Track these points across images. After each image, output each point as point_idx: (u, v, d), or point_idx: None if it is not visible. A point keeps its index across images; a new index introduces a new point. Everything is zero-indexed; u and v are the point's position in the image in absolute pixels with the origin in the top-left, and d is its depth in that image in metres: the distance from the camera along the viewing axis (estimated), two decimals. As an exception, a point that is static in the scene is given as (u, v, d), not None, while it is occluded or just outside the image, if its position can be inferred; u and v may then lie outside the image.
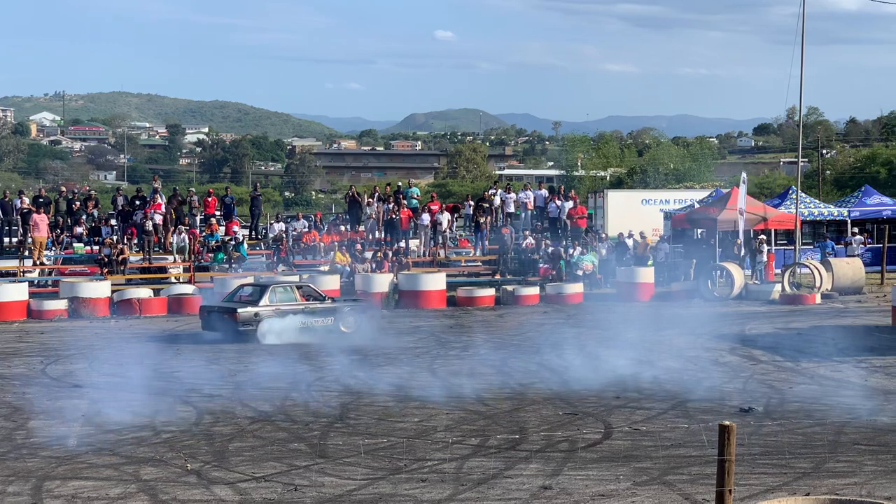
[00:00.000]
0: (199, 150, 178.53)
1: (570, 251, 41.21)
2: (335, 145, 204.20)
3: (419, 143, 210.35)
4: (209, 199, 43.27)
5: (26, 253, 38.59)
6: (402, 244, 41.36)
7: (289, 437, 17.35)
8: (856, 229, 46.85)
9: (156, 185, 43.47)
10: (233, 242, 39.68)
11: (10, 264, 38.46)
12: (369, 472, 14.92)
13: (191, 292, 36.18)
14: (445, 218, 42.23)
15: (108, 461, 15.79)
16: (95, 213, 41.96)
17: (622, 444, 16.66)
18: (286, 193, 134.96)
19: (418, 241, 42.44)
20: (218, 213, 42.74)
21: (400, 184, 47.03)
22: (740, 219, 40.27)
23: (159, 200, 41.00)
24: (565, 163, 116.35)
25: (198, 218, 42.14)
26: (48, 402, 20.62)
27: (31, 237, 38.39)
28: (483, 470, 14.92)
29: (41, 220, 38.27)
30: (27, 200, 41.19)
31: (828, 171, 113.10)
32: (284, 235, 41.32)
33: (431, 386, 21.99)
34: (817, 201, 52.46)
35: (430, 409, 19.57)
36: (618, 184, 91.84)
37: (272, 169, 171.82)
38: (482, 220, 42.78)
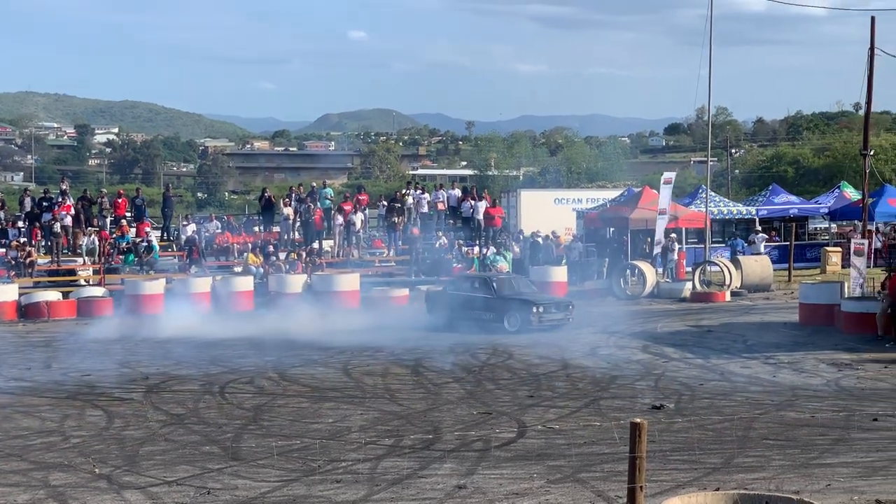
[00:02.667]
0: (108, 150, 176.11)
1: (485, 251, 41.33)
2: (248, 146, 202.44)
3: (333, 143, 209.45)
4: (120, 201, 42.70)
5: (-69, 256, 37.83)
6: (316, 245, 41.19)
7: (202, 440, 17.19)
8: (759, 228, 47.55)
9: (63, 187, 42.78)
10: (144, 244, 39.22)
11: (-86, 268, 37.65)
12: (283, 474, 14.83)
13: (101, 295, 35.70)
14: (359, 218, 42.14)
15: (16, 467, 15.52)
16: (2, 214, 41.18)
17: (536, 442, 16.75)
18: (199, 194, 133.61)
19: (332, 241, 42.26)
20: (129, 214, 42.19)
21: (314, 184, 46.78)
22: (661, 219, 40.65)
23: (68, 202, 40.37)
24: (479, 162, 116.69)
25: (108, 220, 41.55)
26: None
27: (-65, 240, 37.64)
28: (398, 470, 14.91)
29: (-54, 223, 37.54)
30: (-69, 202, 40.39)
31: (737, 171, 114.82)
32: (197, 237, 40.92)
33: (346, 386, 21.95)
34: (726, 200, 53.17)
35: (344, 410, 19.53)
36: (531, 183, 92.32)
37: (184, 170, 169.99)
38: (396, 220, 42.73)
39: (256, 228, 43.01)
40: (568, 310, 30.62)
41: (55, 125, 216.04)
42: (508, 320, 29.94)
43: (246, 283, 36.58)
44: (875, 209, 45.94)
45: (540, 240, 42.54)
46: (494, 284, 31.28)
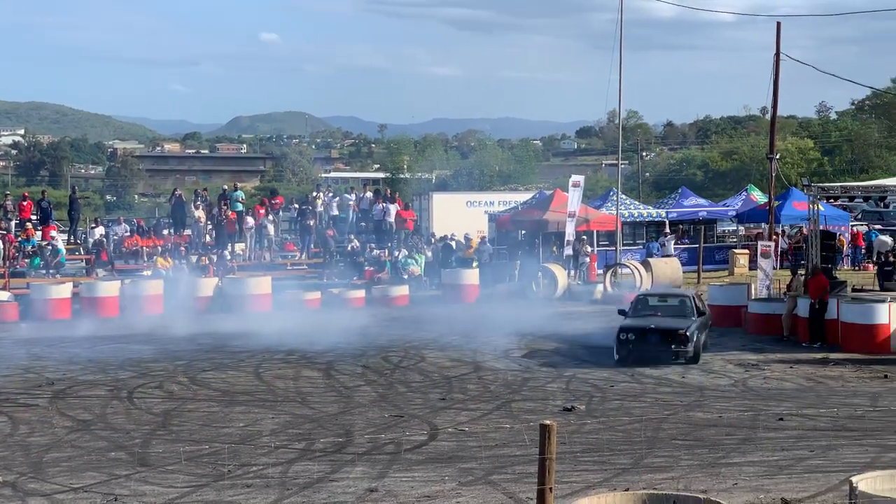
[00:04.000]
0: (14, 152, 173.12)
1: (396, 254, 41.34)
2: (158, 148, 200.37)
3: (245, 146, 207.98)
4: (25, 203, 42.00)
5: None
6: (229, 248, 40.85)
7: (109, 446, 16.96)
8: (669, 230, 48.06)
9: (-32, 189, 42.06)
10: (50, 248, 38.61)
11: None
12: (192, 480, 14.67)
13: (6, 299, 35.07)
14: (271, 221, 41.90)
15: (-83, 476, 15.17)
16: None
17: (447, 445, 16.76)
18: (107, 197, 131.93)
19: (244, 244, 41.93)
20: (34, 217, 41.51)
21: (225, 187, 46.42)
22: (570, 221, 40.92)
23: (-28, 205, 39.65)
24: (391, 165, 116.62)
25: (13, 223, 40.85)
26: None
27: None
28: (309, 474, 14.83)
29: None
30: None
31: (647, 174, 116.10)
32: (105, 240, 40.39)
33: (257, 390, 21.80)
34: (637, 203, 53.69)
35: (255, 414, 19.39)
36: (443, 186, 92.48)
37: (92, 172, 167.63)
38: (308, 223, 42.56)
39: (166, 231, 42.54)
40: None
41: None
42: None
43: (157, 287, 36.15)
44: (781, 212, 46.69)
45: (452, 243, 42.63)
46: None
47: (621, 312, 26.27)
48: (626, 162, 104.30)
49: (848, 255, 47.38)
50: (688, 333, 24.42)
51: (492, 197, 55.37)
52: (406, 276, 39.91)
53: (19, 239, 39.46)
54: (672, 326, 24.76)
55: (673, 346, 24.39)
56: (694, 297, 27.31)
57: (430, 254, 42.54)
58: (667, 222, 48.96)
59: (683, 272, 41.40)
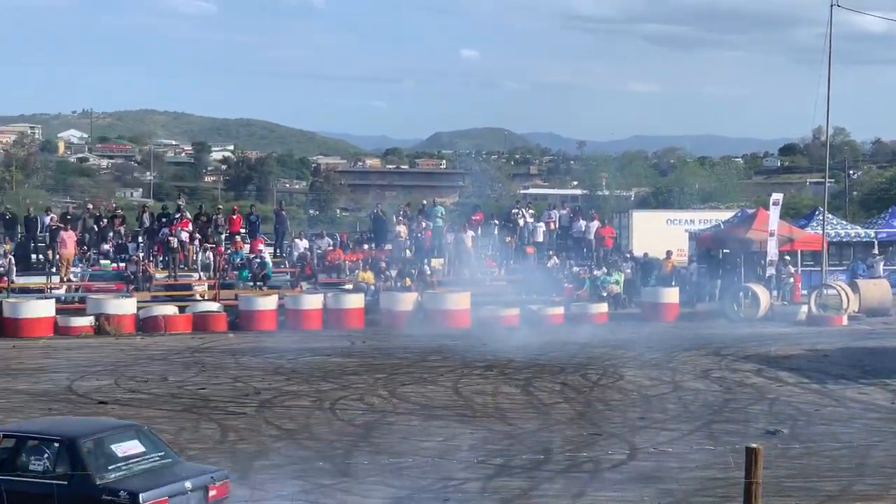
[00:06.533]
0: (224, 167, 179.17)
1: (595, 271, 41.13)
2: (360, 163, 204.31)
3: (444, 161, 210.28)
4: (234, 217, 43.38)
5: (53, 269, 38.77)
6: (427, 263, 41.31)
7: (313, 455, 17.33)
8: (877, 251, 46.54)
9: (180, 203, 43.62)
10: (258, 260, 39.72)
11: (38, 281, 38.60)
12: (393, 492, 14.88)
13: (216, 310, 36.27)
14: (470, 237, 42.17)
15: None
16: (122, 230, 42.09)
17: (647, 465, 16.60)
18: (311, 211, 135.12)
19: (443, 259, 42.34)
20: (243, 230, 42.82)
21: (424, 202, 47.00)
22: (771, 240, 40.05)
23: (186, 218, 41.15)
24: (590, 182, 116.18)
25: (223, 235, 42.24)
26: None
27: (58, 254, 38.56)
28: (508, 490, 14.90)
29: (68, 237, 38.47)
30: (55, 217, 41.45)
31: (855, 192, 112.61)
32: (309, 253, 41.34)
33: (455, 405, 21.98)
34: (844, 222, 52.16)
35: (453, 429, 19.54)
36: (642, 203, 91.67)
37: (297, 187, 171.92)
38: (508, 239, 42.77)
39: (367, 246, 43.28)
40: None
41: (173, 142, 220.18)
42: None
43: (357, 301, 36.88)
44: None
45: (652, 261, 42.17)
46: None
47: None
48: (833, 180, 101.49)
49: None
50: None
51: (692, 215, 54.63)
52: (605, 294, 39.65)
53: (229, 252, 40.74)
54: None
55: None
56: None
57: (629, 271, 42.16)
58: (875, 243, 47.42)
59: (893, 294, 40.02)
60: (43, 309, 34.73)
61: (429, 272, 40.62)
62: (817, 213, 47.50)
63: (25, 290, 37.29)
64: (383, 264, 40.44)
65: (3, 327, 33.84)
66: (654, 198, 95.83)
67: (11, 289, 36.81)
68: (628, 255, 44.18)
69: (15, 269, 37.91)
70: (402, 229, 42.75)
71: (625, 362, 27.63)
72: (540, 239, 43.88)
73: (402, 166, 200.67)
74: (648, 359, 28.20)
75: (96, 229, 41.56)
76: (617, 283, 40.28)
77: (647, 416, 20.73)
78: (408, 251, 42.43)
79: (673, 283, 40.10)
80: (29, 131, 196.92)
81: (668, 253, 42.25)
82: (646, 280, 40.98)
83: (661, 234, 48.64)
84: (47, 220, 41.06)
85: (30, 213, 42.15)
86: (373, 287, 38.69)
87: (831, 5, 38.69)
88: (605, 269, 41.04)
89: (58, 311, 35.06)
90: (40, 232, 41.03)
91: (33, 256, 40.78)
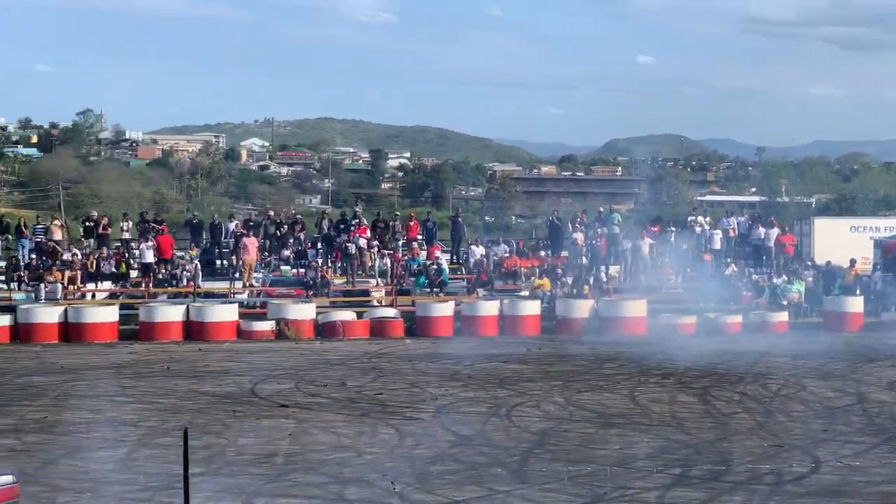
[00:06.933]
0: (401, 174, 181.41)
1: (775, 279, 40.28)
2: (535, 170, 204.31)
3: (619, 168, 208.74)
4: (411, 224, 43.84)
5: (237, 275, 39.81)
6: (604, 270, 41.09)
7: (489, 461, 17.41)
8: None
9: (358, 210, 44.29)
10: (434, 267, 40.07)
11: (222, 286, 39.69)
12: (570, 499, 14.84)
13: (393, 315, 36.72)
14: (647, 244, 41.75)
15: (314, 480, 16.13)
16: (302, 236, 42.94)
17: (831, 478, 16.19)
18: (486, 218, 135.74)
19: (619, 266, 42.06)
20: (420, 237, 43.22)
21: (601, 209, 46.74)
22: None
23: (364, 224, 41.76)
24: (768, 189, 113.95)
25: (400, 242, 42.73)
26: (257, 420, 21.22)
27: (241, 259, 39.59)
28: (686, 500, 14.71)
29: (251, 243, 39.46)
30: (239, 224, 42.55)
31: None
32: (485, 260, 41.51)
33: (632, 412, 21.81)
34: None
35: (630, 437, 19.39)
36: (823, 210, 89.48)
37: (472, 193, 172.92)
38: (683, 246, 42.20)
39: (543, 252, 43.23)
40: None
41: (351, 150, 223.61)
42: None
43: (533, 307, 36.91)
44: None
45: (835, 269, 41.05)
46: None
47: None
48: None
49: None
50: None
51: (877, 222, 52.98)
52: (785, 303, 38.81)
53: (405, 258, 41.19)
54: None
55: None
56: None
57: (810, 280, 41.15)
58: None
59: None
60: (227, 313, 35.78)
61: (605, 279, 40.41)
62: None
63: (210, 295, 38.37)
64: (559, 271, 40.38)
65: (190, 331, 35.04)
66: (836, 204, 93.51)
67: (197, 293, 37.96)
68: (809, 264, 43.13)
69: (201, 274, 39.12)
70: (578, 236, 42.58)
71: (806, 373, 27.01)
72: (717, 246, 43.16)
73: (578, 173, 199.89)
74: (831, 369, 27.52)
75: (277, 235, 42.48)
76: (798, 291, 39.38)
77: (831, 429, 20.21)
78: (584, 258, 42.26)
79: (857, 293, 39.01)
80: (213, 140, 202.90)
81: (853, 261, 40.98)
82: (828, 289, 39.93)
83: (844, 241, 47.31)
84: (231, 226, 42.18)
85: (215, 220, 43.39)
86: (549, 294, 38.66)
87: None
88: (785, 278, 40.16)
89: (240, 316, 36.04)
90: (224, 238, 42.15)
91: (217, 262, 41.95)
